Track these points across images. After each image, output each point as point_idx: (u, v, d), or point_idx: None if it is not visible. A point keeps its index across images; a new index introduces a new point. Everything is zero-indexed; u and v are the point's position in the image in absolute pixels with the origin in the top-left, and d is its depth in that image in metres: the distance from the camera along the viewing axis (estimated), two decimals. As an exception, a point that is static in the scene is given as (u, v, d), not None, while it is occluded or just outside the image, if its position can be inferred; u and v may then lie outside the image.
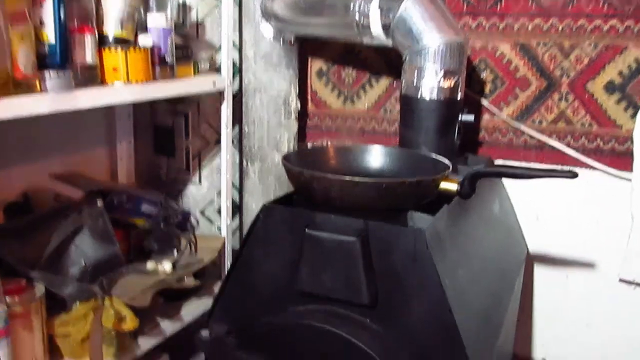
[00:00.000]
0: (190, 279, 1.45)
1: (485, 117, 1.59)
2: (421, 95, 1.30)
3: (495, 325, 1.11)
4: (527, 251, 1.58)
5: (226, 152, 1.58)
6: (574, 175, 0.90)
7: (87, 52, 1.18)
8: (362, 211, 0.93)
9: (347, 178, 0.90)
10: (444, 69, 1.27)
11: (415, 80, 1.30)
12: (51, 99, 1.07)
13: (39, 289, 1.19)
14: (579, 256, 1.58)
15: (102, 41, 1.22)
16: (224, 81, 1.52)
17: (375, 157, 1.16)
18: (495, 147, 1.59)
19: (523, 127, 1.54)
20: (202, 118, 1.70)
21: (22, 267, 1.21)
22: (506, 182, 1.60)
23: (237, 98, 1.66)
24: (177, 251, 1.59)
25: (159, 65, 1.34)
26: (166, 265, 1.43)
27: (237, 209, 1.76)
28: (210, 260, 1.56)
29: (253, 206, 1.69)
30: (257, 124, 1.63)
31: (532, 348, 1.71)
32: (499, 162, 1.58)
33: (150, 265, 1.41)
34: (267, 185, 1.67)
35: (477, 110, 1.59)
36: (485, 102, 1.57)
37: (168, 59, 1.35)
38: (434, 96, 1.29)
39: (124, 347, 1.31)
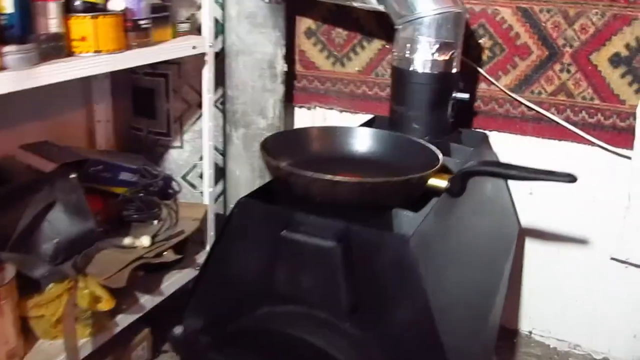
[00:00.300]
0: (170, 252, 1.40)
1: (482, 85, 1.51)
2: (413, 68, 1.21)
3: (483, 315, 1.07)
4: (520, 227, 1.53)
5: (208, 119, 1.50)
6: (573, 179, 0.84)
7: (51, 21, 1.08)
8: (344, 209, 0.86)
9: (328, 177, 0.84)
10: (440, 41, 1.19)
11: (407, 52, 1.21)
12: (11, 77, 0.98)
13: (9, 270, 1.14)
14: (571, 232, 1.54)
15: (68, 7, 1.12)
16: (205, 43, 1.43)
17: (362, 141, 1.09)
18: (490, 118, 1.52)
19: (520, 99, 1.46)
20: (183, 80, 1.61)
21: (-10, 248, 1.15)
22: (500, 155, 1.54)
23: (220, 59, 1.56)
24: (158, 221, 1.54)
25: (132, 30, 1.24)
26: (144, 240, 1.37)
27: (221, 173, 1.70)
28: (191, 231, 1.50)
29: (237, 173, 1.62)
30: (241, 88, 1.54)
31: (519, 321, 1.69)
32: (493, 134, 1.52)
33: (127, 240, 1.35)
34: (251, 152, 1.60)
35: (473, 78, 1.50)
36: (481, 71, 1.48)
37: (143, 23, 1.25)
38: (427, 70, 1.21)
39: (100, 326, 1.27)
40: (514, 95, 1.46)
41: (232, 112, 1.58)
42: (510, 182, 1.56)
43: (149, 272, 1.42)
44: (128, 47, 1.22)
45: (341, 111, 1.68)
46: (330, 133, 1.09)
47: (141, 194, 1.53)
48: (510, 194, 1.45)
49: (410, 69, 1.21)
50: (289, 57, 1.65)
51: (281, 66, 1.56)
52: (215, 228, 1.62)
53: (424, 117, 1.23)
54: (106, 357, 1.36)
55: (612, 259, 1.48)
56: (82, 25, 1.13)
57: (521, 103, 1.46)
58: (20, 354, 1.17)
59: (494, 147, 1.54)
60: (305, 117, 1.74)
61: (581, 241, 1.53)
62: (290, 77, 1.68)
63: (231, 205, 1.64)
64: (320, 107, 1.70)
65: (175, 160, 1.69)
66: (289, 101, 1.71)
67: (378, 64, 1.60)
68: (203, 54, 1.44)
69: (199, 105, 1.58)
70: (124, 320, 1.34)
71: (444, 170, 0.93)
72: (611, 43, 1.36)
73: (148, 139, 1.69)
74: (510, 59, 1.46)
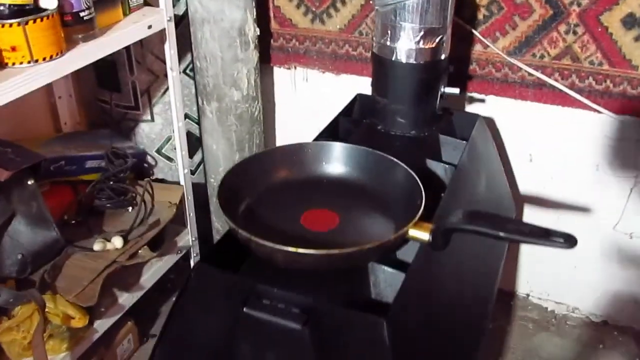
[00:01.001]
0: (146, 250, 1.32)
1: (477, 47, 1.35)
2: (396, 57, 1.06)
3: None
4: (519, 193, 1.44)
5: (175, 97, 1.37)
6: (572, 244, 0.73)
7: (-32, 38, 0.93)
8: (312, 276, 0.77)
9: (291, 249, 0.73)
10: (425, 28, 1.02)
11: (388, 41, 1.05)
12: None
13: (-31, 303, 1.07)
14: (573, 200, 1.44)
15: (-9, 14, 0.96)
16: (163, 18, 1.27)
17: (334, 161, 0.97)
18: (487, 82, 1.37)
19: (519, 63, 1.31)
20: (146, 50, 1.45)
21: (-54, 278, 1.08)
22: (498, 121, 1.41)
23: (184, 24, 1.40)
24: (133, 207, 1.45)
25: (74, 24, 1.08)
26: (116, 241, 1.29)
27: (198, 143, 1.58)
28: (168, 220, 1.42)
29: (214, 147, 1.51)
30: (210, 60, 1.39)
31: (517, 284, 1.64)
32: (491, 99, 1.38)
33: (97, 245, 1.27)
34: (227, 126, 1.47)
35: (468, 39, 1.34)
36: (476, 33, 1.32)
37: (84, 14, 1.09)
38: (412, 60, 1.06)
39: (78, 337, 1.22)
40: (512, 60, 1.31)
41: (202, 85, 1.44)
42: (509, 146, 1.45)
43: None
44: (70, 45, 1.07)
45: (323, 72, 1.53)
46: (298, 153, 0.96)
47: (111, 182, 1.42)
48: (502, 169, 1.33)
49: (393, 59, 1.06)
50: (264, 13, 1.47)
51: (253, 31, 1.40)
52: (195, 202, 1.53)
53: (408, 110, 1.10)
54: (92, 356, 1.32)
55: (615, 229, 1.39)
56: (9, 34, 0.98)
57: (521, 68, 1.31)
58: (-5, 379, 1.13)
59: (491, 112, 1.41)
60: (285, 79, 1.59)
61: (583, 209, 1.44)
62: (266, 36, 1.52)
63: (211, 179, 1.55)
64: (301, 67, 1.55)
65: (147, 134, 1.57)
66: (266, 62, 1.56)
67: (361, 21, 1.42)
68: (162, 30, 1.27)
69: (167, 75, 1.43)
70: (103, 324, 1.29)
71: (425, 214, 0.81)
72: (625, 2, 1.19)
73: (115, 112, 1.56)
74: (510, 18, 1.29)
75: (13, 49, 0.99)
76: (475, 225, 0.75)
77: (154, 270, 1.42)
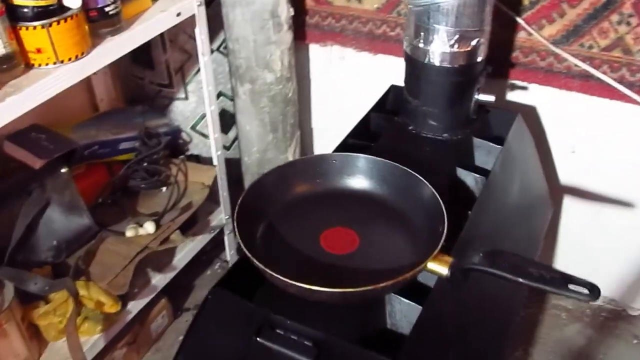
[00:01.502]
0: (177, 235, 1.34)
1: (521, 34, 1.27)
2: (429, 60, 1.01)
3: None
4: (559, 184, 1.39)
5: (206, 82, 1.35)
6: (596, 295, 0.70)
7: (-4, 41, 0.93)
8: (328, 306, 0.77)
9: (303, 286, 0.73)
10: (460, 31, 0.97)
11: (421, 42, 1.00)
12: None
13: (9, 291, 1.12)
14: (614, 194, 1.38)
15: (14, 16, 0.95)
16: (192, 4, 1.24)
17: (358, 174, 0.94)
18: (530, 71, 1.30)
19: (565, 54, 1.23)
20: (179, 29, 1.42)
21: (-15, 267, 1.12)
22: (542, 110, 1.35)
23: (216, 3, 1.37)
24: (167, 187, 1.47)
25: (99, 19, 1.07)
26: (148, 227, 1.31)
27: (233, 119, 1.57)
28: (200, 202, 1.43)
29: (247, 127, 1.50)
30: (242, 42, 1.36)
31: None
32: (534, 87, 1.32)
33: (130, 231, 1.29)
34: (259, 107, 1.45)
35: (511, 25, 1.27)
36: (520, 20, 1.24)
37: (109, 8, 1.07)
38: (446, 63, 1.01)
39: (111, 320, 1.26)
40: (557, 50, 1.23)
41: (235, 67, 1.41)
42: (551, 137, 1.39)
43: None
44: (96, 41, 1.06)
45: (359, 51, 1.48)
46: (323, 164, 0.94)
47: (144, 163, 1.43)
48: (539, 165, 1.28)
49: (425, 61, 1.01)
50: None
51: (286, 12, 1.35)
52: (229, 177, 1.54)
53: (441, 114, 1.06)
54: (124, 337, 1.37)
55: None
56: (34, 36, 0.97)
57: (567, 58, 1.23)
58: (34, 358, 1.19)
59: (534, 100, 1.35)
60: (321, 57, 1.55)
61: (625, 204, 1.38)
62: (301, 13, 1.47)
63: (245, 158, 1.54)
64: (337, 45, 1.50)
65: (182, 111, 1.56)
66: (302, 39, 1.51)
67: (399, 0, 1.36)
68: (192, 16, 1.25)
69: (200, 55, 1.41)
70: (136, 305, 1.33)
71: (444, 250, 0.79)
72: (685, -6, 1.09)
73: (150, 89, 1.56)
74: (557, 5, 1.21)
75: (38, 50, 0.99)
76: (496, 268, 0.72)
77: (187, 250, 1.44)
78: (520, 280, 0.71)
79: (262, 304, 0.79)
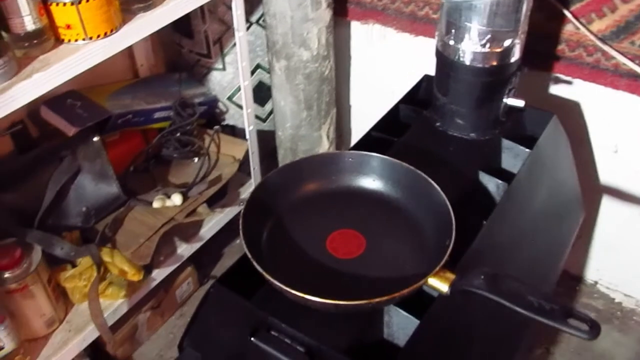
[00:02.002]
0: (204, 208, 1.36)
1: (568, 27, 1.21)
2: (458, 58, 0.97)
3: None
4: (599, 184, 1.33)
5: (241, 58, 1.34)
6: (595, 333, 0.67)
7: (25, 18, 0.94)
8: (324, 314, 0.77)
9: (298, 294, 0.73)
10: (492, 31, 0.92)
11: (451, 40, 0.96)
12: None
13: (36, 254, 1.17)
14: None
15: (44, -8, 0.97)
16: (229, -22, 1.22)
17: (372, 174, 0.92)
18: (575, 66, 1.24)
19: (613, 52, 1.16)
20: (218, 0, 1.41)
21: (16, 229, 1.17)
22: (585, 106, 1.28)
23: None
24: (199, 157, 1.48)
25: (130, -5, 1.06)
26: (175, 198, 1.34)
27: (270, 92, 1.56)
28: (229, 176, 1.44)
29: (281, 103, 1.49)
30: (279, 18, 1.34)
31: (586, 270, 1.55)
32: (578, 83, 1.25)
33: (157, 203, 1.32)
34: (294, 84, 1.43)
35: (559, 16, 1.20)
36: (567, 13, 1.17)
37: (142, -17, 1.06)
38: (476, 63, 0.97)
39: (135, 286, 1.30)
40: (604, 47, 1.16)
41: (272, 42, 1.39)
42: (593, 135, 1.33)
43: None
44: (127, 17, 1.07)
45: (400, 31, 1.43)
46: (338, 161, 0.93)
47: (178, 133, 1.45)
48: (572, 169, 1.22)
49: (455, 59, 0.97)
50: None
51: (326, -10, 1.32)
52: (264, 149, 1.54)
53: (468, 113, 1.02)
54: (149, 301, 1.42)
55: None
56: (63, 12, 0.98)
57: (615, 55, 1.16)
58: (60, 318, 1.25)
59: (577, 96, 1.28)
60: (362, 34, 1.51)
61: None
62: (341, -10, 1.43)
63: (279, 133, 1.54)
64: (379, 24, 1.46)
65: (219, 82, 1.56)
66: (343, 15, 1.48)
67: (445, -17, 1.30)
68: (228, -9, 1.23)
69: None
70: (161, 273, 1.37)
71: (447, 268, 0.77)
72: None
73: (189, 57, 1.56)
74: None
75: (68, 26, 1.00)
76: (494, 293, 0.70)
77: (215, 222, 1.46)
78: (518, 309, 0.68)
79: (262, 303, 0.79)
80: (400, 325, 0.79)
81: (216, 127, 1.52)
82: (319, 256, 0.83)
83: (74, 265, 1.25)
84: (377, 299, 0.72)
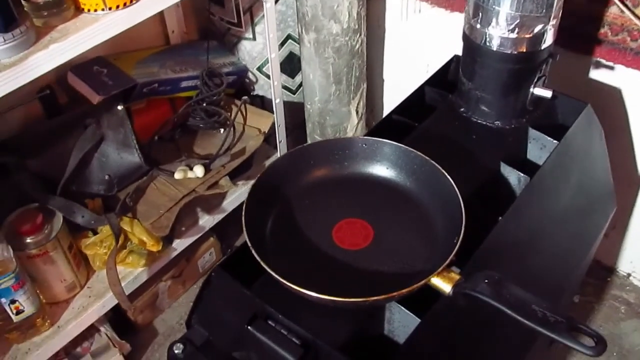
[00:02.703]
0: (226, 180, 1.36)
1: (613, 9, 1.13)
2: (485, 42, 0.92)
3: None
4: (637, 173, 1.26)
5: (268, 30, 1.32)
6: (601, 349, 0.63)
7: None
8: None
9: (294, 287, 0.71)
10: (522, 16, 0.87)
11: (478, 24, 0.91)
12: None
13: (57, 221, 1.19)
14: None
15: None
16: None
17: (385, 162, 0.89)
18: (618, 51, 1.17)
19: (662, 39, 1.08)
20: (247, -32, 1.38)
21: (38, 195, 1.19)
22: (627, 93, 1.21)
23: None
24: (224, 128, 1.47)
25: (151, -35, 1.04)
26: (198, 170, 1.33)
27: (299, 63, 1.53)
28: (253, 149, 1.43)
29: (310, 76, 1.45)
30: (308, -11, 1.30)
31: (619, 261, 1.49)
32: (620, 68, 1.18)
33: (178, 174, 1.32)
34: (324, 58, 1.40)
35: (602, -1, 1.13)
36: (612, -6, 1.09)
37: (164, -47, 1.04)
38: (505, 49, 0.91)
39: (155, 256, 1.32)
40: (653, 33, 1.08)
41: (301, 13, 1.35)
42: (633, 123, 1.25)
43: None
44: (146, -10, 1.05)
45: (434, 6, 1.37)
46: (351, 147, 0.90)
47: (204, 103, 1.44)
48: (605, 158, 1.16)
49: (482, 43, 0.92)
50: None
51: (358, -39, 1.27)
52: (293, 121, 1.53)
53: (494, 101, 0.97)
54: (169, 270, 1.44)
55: None
56: (83, -18, 0.97)
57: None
58: (81, 284, 1.27)
59: (619, 82, 1.21)
60: (396, 8, 1.45)
61: None
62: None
63: (308, 106, 1.52)
64: (413, -3, 1.40)
65: (249, 51, 1.54)
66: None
67: (484, -44, 1.23)
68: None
69: (266, 1, 1.36)
70: (182, 243, 1.38)
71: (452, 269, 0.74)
72: None
73: (220, 25, 1.54)
74: (660, -18, 1.05)
75: (87, -5, 0.98)
76: (497, 300, 0.67)
77: (239, 194, 1.46)
78: (520, 318, 0.65)
79: (262, 291, 0.78)
80: (401, 322, 0.77)
81: (244, 97, 1.50)
82: (323, 246, 0.81)
83: (95, 233, 1.26)
84: (375, 298, 0.70)
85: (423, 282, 0.72)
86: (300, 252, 0.81)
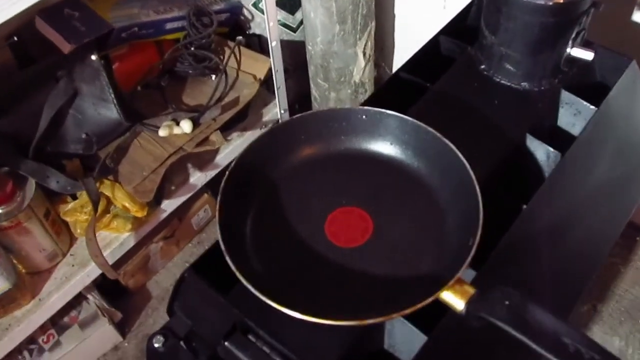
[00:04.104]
0: (217, 135, 1.23)
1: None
2: (514, -11, 0.75)
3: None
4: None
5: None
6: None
7: None
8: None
9: (272, 304, 0.60)
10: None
11: (506, -34, 0.74)
12: None
13: (30, 187, 1.08)
14: None
15: None
16: None
17: (389, 137, 0.75)
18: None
19: None
20: None
21: (9, 158, 1.07)
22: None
23: None
24: (216, 74, 1.33)
25: None
26: (185, 125, 1.20)
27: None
28: (248, 98, 1.29)
29: (311, 15, 1.29)
30: None
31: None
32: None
33: (163, 131, 1.19)
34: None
35: None
36: None
37: None
38: (537, -2, 0.75)
39: (142, 220, 1.21)
40: None
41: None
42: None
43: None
44: None
45: None
46: (348, 118, 0.76)
47: (192, 47, 1.29)
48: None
49: (508, -10, 0.75)
50: None
51: None
52: (294, 62, 1.40)
53: (523, 60, 0.81)
54: (160, 231, 1.34)
55: None
56: None
57: None
58: (63, 252, 1.18)
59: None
60: None
61: None
62: None
63: (309, 47, 1.36)
64: None
65: (242, -14, 1.36)
66: None
67: None
68: None
69: None
70: (172, 204, 1.27)
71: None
72: None
73: (209, -44, 1.36)
74: None
75: None
76: (518, 329, 0.55)
77: (234, 147, 1.33)
78: (547, 354, 0.53)
79: (243, 298, 0.66)
80: (404, 337, 0.66)
81: (238, 38, 1.35)
82: (313, 243, 0.69)
83: (75, 197, 1.15)
84: (371, 321, 0.58)
85: (431, 299, 0.60)
86: (286, 254, 0.69)
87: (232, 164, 0.70)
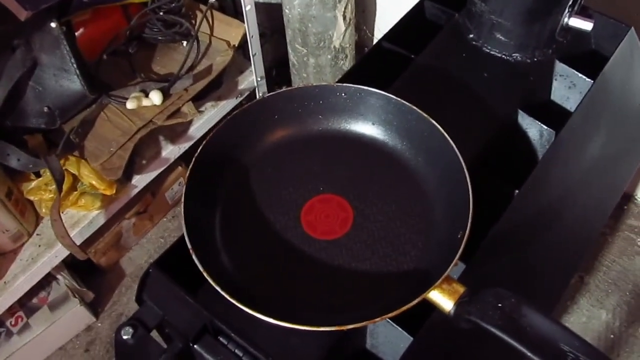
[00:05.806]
0: (189, 106, 1.16)
1: None
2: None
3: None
4: None
5: None
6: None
7: None
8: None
9: (249, 311, 0.55)
10: None
11: None
12: None
13: (-14, 167, 1.01)
14: None
15: None
16: None
17: (371, 117, 0.69)
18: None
19: None
20: None
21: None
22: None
23: None
24: (187, 40, 1.25)
25: None
26: (154, 97, 1.13)
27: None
28: (222, 67, 1.21)
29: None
30: None
31: (638, 187, 1.33)
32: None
33: (131, 103, 1.11)
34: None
35: None
36: None
37: None
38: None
39: (111, 197, 1.15)
40: None
41: None
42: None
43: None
44: None
45: None
46: (326, 96, 0.69)
47: (161, 12, 1.20)
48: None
49: (501, -47, 0.68)
50: None
51: None
52: (272, 25, 1.34)
53: (514, 29, 0.75)
54: (132, 207, 1.27)
55: None
56: None
57: None
58: (29, 232, 1.12)
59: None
60: None
61: None
62: None
63: (286, 10, 1.28)
64: None
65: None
66: None
67: None
68: None
69: None
70: (143, 179, 1.21)
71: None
72: None
73: None
74: None
75: None
76: (511, 335, 0.51)
77: (207, 118, 1.26)
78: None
79: (213, 297, 0.61)
80: (388, 337, 0.61)
81: (211, 1, 1.26)
82: (288, 236, 0.63)
83: (39, 175, 1.08)
84: (351, 325, 0.53)
85: (417, 300, 0.55)
86: (259, 248, 0.63)
87: (198, 150, 0.64)
